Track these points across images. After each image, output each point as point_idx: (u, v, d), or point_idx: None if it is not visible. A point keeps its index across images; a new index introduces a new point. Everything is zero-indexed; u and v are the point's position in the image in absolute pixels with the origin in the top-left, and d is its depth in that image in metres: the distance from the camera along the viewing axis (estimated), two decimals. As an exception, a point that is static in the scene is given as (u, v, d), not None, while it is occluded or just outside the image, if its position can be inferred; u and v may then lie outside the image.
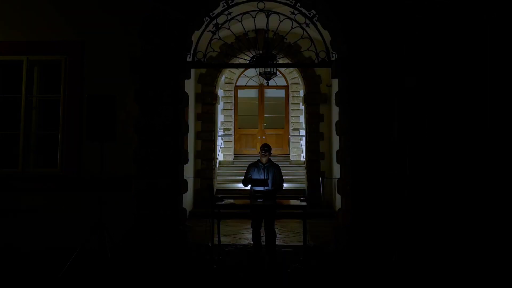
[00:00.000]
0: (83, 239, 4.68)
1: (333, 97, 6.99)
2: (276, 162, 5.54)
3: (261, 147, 5.38)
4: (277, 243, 5.25)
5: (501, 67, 5.39)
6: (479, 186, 5.25)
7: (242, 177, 5.55)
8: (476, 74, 5.39)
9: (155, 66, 5.63)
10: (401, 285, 4.31)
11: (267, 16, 6.01)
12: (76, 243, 4.76)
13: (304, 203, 5.14)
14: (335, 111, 6.52)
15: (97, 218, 4.76)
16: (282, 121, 11.92)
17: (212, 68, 9.59)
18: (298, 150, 11.21)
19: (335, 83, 6.44)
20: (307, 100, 10.14)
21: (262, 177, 5.19)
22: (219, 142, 10.90)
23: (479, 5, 5.44)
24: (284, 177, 5.54)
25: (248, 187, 5.42)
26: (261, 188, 5.13)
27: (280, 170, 5.40)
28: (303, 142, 10.85)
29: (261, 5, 5.95)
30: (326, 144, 9.94)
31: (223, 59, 7.94)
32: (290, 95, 11.70)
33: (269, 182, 5.15)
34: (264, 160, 5.28)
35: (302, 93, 11.03)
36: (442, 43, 5.45)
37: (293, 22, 5.93)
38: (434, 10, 5.48)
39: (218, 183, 10.01)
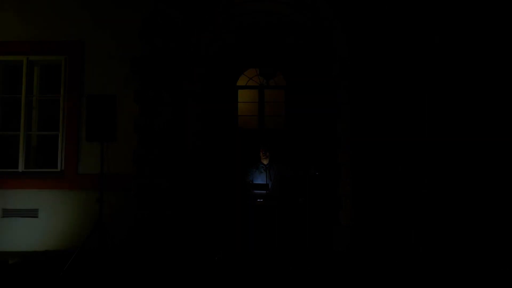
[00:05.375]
0: (83, 239, 4.68)
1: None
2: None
3: (261, 148, 5.37)
4: (277, 243, 5.23)
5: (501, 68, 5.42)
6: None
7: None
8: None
9: (155, 66, 5.63)
10: (404, 285, 4.30)
11: (267, 16, 6.01)
12: (76, 243, 4.76)
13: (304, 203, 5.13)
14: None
15: (97, 218, 4.75)
16: (282, 121, 11.90)
17: (212, 68, 9.57)
18: (298, 150, 11.21)
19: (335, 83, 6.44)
20: (307, 100, 10.12)
21: (264, 178, 5.19)
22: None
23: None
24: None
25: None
26: (262, 192, 5.11)
27: (283, 166, 5.36)
28: (303, 142, 10.85)
29: (261, 5, 5.94)
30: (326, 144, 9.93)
31: (223, 59, 7.93)
32: (290, 95, 11.67)
33: (270, 184, 5.14)
34: (265, 161, 5.28)
35: (302, 93, 11.02)
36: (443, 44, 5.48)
37: (293, 22, 5.93)
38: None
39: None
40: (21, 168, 5.74)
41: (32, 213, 5.57)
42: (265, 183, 5.11)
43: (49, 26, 5.78)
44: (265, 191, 5.06)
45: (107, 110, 4.77)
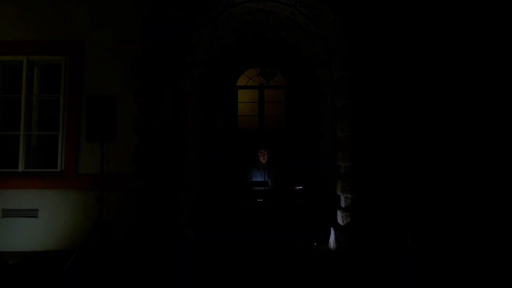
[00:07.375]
0: (83, 239, 4.68)
1: (333, 97, 6.99)
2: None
3: (259, 149, 5.39)
4: (276, 242, 5.25)
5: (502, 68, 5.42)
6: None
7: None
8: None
9: (155, 66, 5.63)
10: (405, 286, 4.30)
11: (267, 16, 6.01)
12: (76, 243, 4.76)
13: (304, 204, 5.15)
14: (335, 111, 6.51)
15: (97, 218, 4.76)
16: (282, 121, 11.91)
17: (212, 68, 9.57)
18: (298, 150, 11.21)
19: (335, 83, 6.44)
20: (307, 100, 10.13)
21: (262, 177, 5.22)
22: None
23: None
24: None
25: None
26: (261, 188, 5.14)
27: (280, 172, 5.40)
28: (303, 142, 10.85)
29: (261, 5, 5.94)
30: (326, 144, 9.92)
31: (223, 59, 7.97)
32: (290, 95, 11.69)
33: (270, 182, 5.16)
34: (262, 160, 5.30)
35: (302, 93, 11.02)
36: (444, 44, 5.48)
37: (293, 22, 5.93)
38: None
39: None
40: (21, 168, 5.75)
41: (32, 213, 5.58)
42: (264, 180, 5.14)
43: (49, 26, 5.78)
44: (263, 188, 5.07)
45: (107, 110, 4.77)
